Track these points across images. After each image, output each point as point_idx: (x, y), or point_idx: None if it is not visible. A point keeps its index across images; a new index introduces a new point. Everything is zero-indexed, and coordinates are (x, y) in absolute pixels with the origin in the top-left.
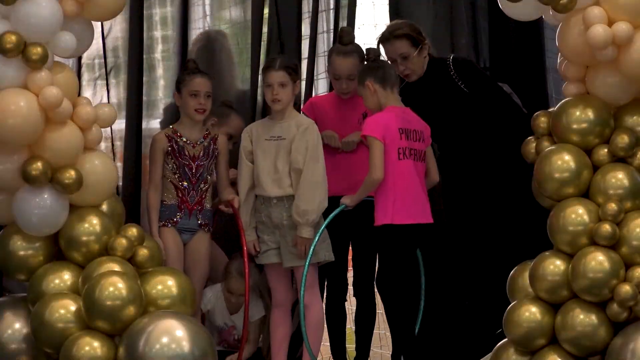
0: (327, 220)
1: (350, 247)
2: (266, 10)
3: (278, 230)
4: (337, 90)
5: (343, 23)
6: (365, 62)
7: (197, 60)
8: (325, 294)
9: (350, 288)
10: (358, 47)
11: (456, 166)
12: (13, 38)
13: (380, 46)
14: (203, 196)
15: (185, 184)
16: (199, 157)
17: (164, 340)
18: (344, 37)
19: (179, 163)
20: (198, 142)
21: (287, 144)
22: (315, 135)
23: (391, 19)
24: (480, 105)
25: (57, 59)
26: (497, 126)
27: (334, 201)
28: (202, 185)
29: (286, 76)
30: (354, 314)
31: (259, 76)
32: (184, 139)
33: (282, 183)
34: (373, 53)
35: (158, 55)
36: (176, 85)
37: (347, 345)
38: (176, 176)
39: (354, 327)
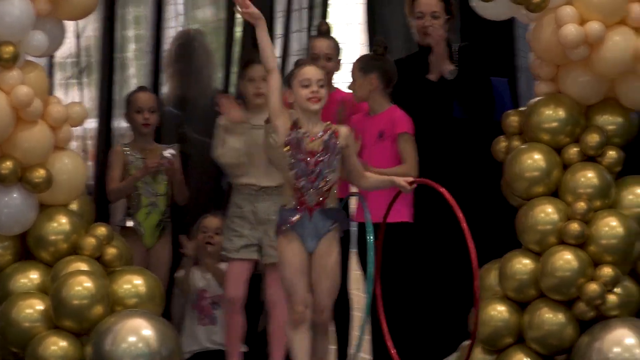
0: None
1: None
2: None
3: (261, 226)
4: None
5: (316, 22)
6: (373, 52)
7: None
8: None
9: None
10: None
11: (436, 159)
12: None
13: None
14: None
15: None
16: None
17: (131, 339)
18: (322, 26)
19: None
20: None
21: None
22: None
23: (366, 18)
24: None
25: (29, 58)
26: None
27: None
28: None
29: None
30: None
31: (232, 75)
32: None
33: (276, 173)
34: (382, 45)
35: (130, 54)
36: (287, 82)
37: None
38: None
39: None
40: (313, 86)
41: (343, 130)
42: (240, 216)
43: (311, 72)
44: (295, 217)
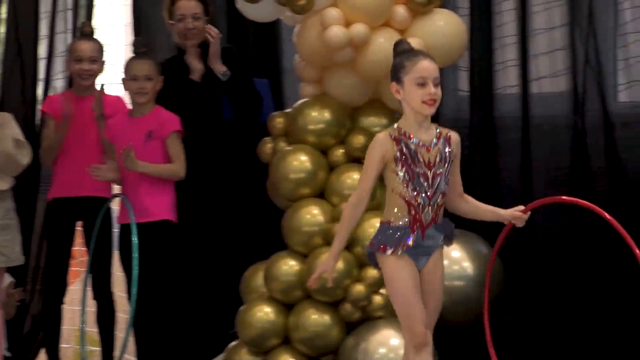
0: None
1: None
2: (3, 10)
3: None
4: (78, 71)
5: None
6: (134, 54)
7: None
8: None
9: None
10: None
11: (196, 160)
12: None
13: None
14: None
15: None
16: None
17: None
18: (85, 28)
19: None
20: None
21: None
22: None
23: (132, 19)
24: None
25: None
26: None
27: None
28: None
29: None
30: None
31: None
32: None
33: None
34: (140, 45)
35: None
36: (393, 74)
37: (90, 347)
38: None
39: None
40: (430, 87)
41: (455, 136)
42: None
43: (429, 68)
44: (411, 240)
